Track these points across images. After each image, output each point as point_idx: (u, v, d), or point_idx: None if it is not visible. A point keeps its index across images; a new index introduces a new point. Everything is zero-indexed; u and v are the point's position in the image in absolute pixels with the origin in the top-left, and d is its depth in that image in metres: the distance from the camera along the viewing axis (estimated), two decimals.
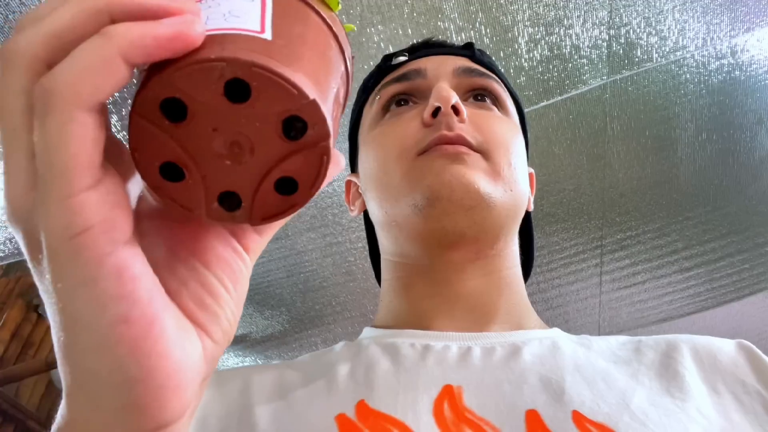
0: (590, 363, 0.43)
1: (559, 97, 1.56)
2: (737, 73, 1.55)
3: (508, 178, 0.49)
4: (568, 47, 1.46)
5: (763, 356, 0.44)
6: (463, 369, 0.42)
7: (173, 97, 0.21)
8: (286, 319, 2.09)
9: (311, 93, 0.21)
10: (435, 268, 0.50)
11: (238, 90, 0.21)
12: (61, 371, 0.22)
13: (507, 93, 0.58)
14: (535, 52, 1.46)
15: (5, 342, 1.76)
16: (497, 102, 0.56)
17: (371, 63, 1.43)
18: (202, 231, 0.25)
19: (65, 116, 0.19)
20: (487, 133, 0.50)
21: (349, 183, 0.63)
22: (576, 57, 1.49)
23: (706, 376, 0.42)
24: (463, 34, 1.40)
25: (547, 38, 1.44)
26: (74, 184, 0.20)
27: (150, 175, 0.23)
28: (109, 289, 0.20)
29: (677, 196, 1.81)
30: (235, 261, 0.26)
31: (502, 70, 1.50)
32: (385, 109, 0.56)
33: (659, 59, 1.50)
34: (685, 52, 1.49)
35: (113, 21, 0.20)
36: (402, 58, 0.58)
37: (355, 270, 1.92)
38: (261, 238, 0.27)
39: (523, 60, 1.47)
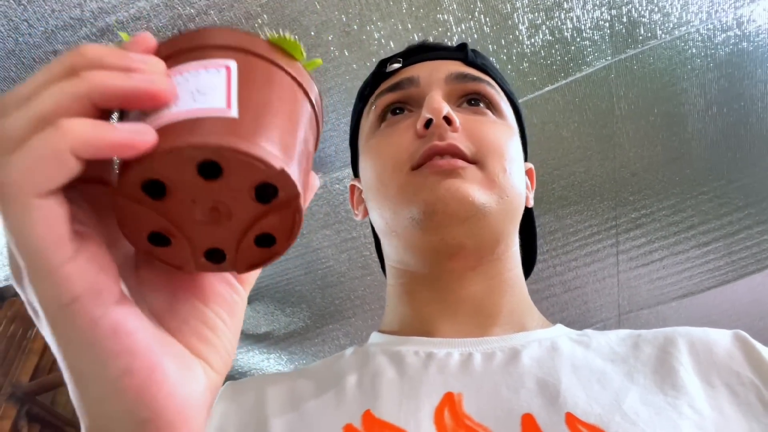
0: (587, 363, 0.44)
1: (564, 81, 1.55)
2: (744, 44, 1.52)
3: (503, 184, 0.50)
4: (570, 30, 1.46)
5: (759, 347, 0.45)
6: (464, 375, 0.43)
7: (152, 179, 0.23)
8: (307, 315, 2.13)
9: (278, 163, 0.23)
10: (436, 275, 0.52)
11: (211, 168, 0.23)
12: (79, 414, 0.24)
13: (501, 93, 0.58)
14: (537, 37, 1.45)
15: (38, 352, 1.82)
16: (491, 105, 0.55)
17: (373, 60, 1.44)
18: (199, 273, 0.27)
19: (23, 205, 0.21)
20: (481, 140, 0.50)
21: (353, 187, 0.64)
22: (578, 39, 1.48)
23: (701, 370, 0.43)
24: (462, 25, 1.41)
25: (547, 23, 1.44)
26: (51, 261, 0.21)
27: (139, 243, 0.25)
28: (107, 347, 0.22)
29: (690, 171, 1.79)
30: (231, 294, 0.28)
31: (504, 57, 1.50)
32: (381, 118, 0.56)
33: (663, 36, 1.49)
34: (689, 26, 1.47)
35: (95, 105, 0.22)
36: (396, 65, 0.58)
37: (371, 263, 1.94)
38: (253, 272, 0.29)
39: (524, 46, 1.46)
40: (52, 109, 0.21)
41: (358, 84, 1.48)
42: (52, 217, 0.21)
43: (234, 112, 0.23)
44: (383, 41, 1.40)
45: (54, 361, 1.91)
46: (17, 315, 2.04)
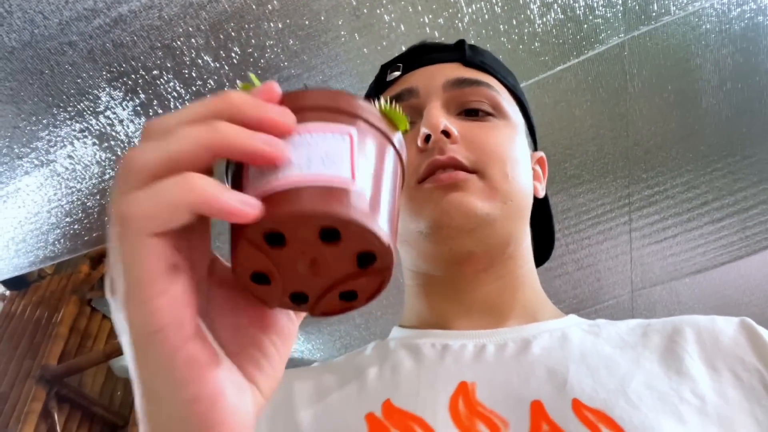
0: (596, 351, 0.46)
1: (576, 60, 1.54)
2: (760, 18, 1.50)
3: (505, 190, 0.51)
4: (582, 8, 1.44)
5: (764, 333, 0.46)
6: (478, 365, 0.46)
7: (276, 231, 0.25)
8: None
9: (387, 240, 0.26)
10: (449, 278, 0.54)
11: (330, 233, 0.25)
12: (143, 425, 0.27)
13: (502, 90, 0.58)
14: (548, 16, 1.44)
15: (65, 336, 1.88)
16: (491, 108, 0.56)
17: (383, 43, 1.44)
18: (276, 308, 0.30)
19: (137, 240, 0.23)
20: (480, 149, 0.52)
21: None
22: (591, 17, 1.47)
23: (706, 357, 0.44)
24: (473, 6, 1.40)
25: (559, 1, 1.43)
26: (147, 293, 0.24)
27: (242, 279, 0.27)
28: (181, 376, 0.24)
29: (704, 148, 1.78)
30: (287, 325, 0.30)
31: (515, 37, 1.50)
32: None
33: (677, 11, 1.47)
34: (704, 1, 1.45)
35: (215, 156, 0.24)
36: (396, 74, 0.59)
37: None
38: None
39: (536, 26, 1.45)
40: (182, 154, 0.24)
41: (369, 68, 1.48)
42: (158, 255, 0.24)
43: (359, 186, 0.26)
44: (393, 24, 1.40)
45: (80, 344, 1.97)
46: (42, 300, 2.10)
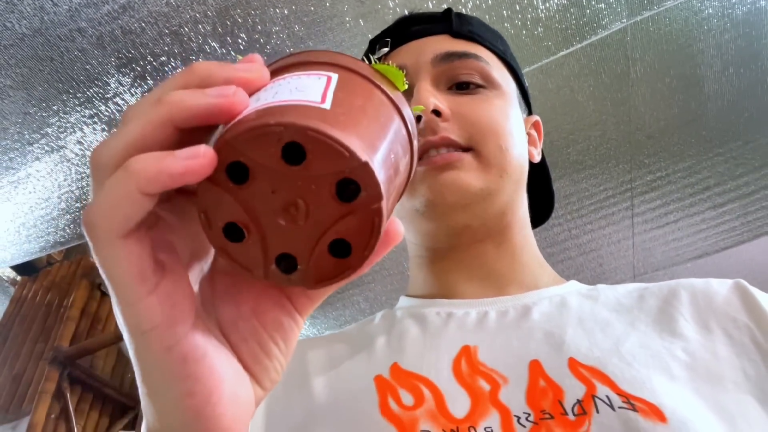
0: (593, 315, 0.48)
1: (579, 45, 1.55)
2: (763, 2, 1.51)
3: (500, 162, 0.52)
4: None
5: (757, 293, 0.47)
6: (480, 331, 0.48)
7: (237, 161, 0.23)
8: None
9: (363, 155, 0.22)
10: (449, 250, 0.56)
11: (295, 154, 0.23)
12: (145, 415, 0.27)
13: (492, 58, 0.58)
14: (552, 1, 1.45)
15: (76, 319, 1.92)
16: (482, 79, 0.55)
17: None
18: (264, 296, 0.28)
19: (107, 245, 0.23)
20: (473, 125, 0.52)
21: None
22: (593, 2, 1.48)
23: (699, 317, 0.46)
24: None
25: None
26: (133, 294, 0.23)
27: (215, 235, 0.25)
28: (176, 372, 0.24)
29: (706, 133, 1.79)
30: (289, 323, 0.29)
31: (518, 23, 1.51)
32: None
33: None
34: None
35: (176, 127, 0.23)
36: (384, 50, 0.59)
37: None
38: (312, 303, 0.30)
39: (539, 11, 1.47)
40: (137, 138, 0.23)
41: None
42: (135, 255, 0.23)
43: (327, 105, 0.23)
44: (398, 10, 1.42)
45: (91, 327, 2.01)
46: (53, 284, 2.14)
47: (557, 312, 0.49)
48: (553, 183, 0.68)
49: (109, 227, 0.22)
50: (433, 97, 0.52)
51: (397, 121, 0.27)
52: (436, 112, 0.51)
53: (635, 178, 1.91)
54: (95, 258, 0.24)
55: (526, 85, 0.64)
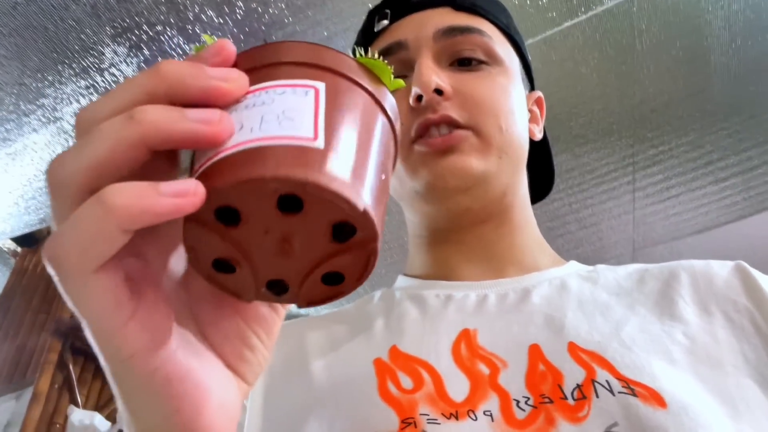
0: (593, 298, 0.47)
1: (584, 16, 1.52)
2: None
3: (500, 143, 0.51)
4: None
5: (757, 276, 0.47)
6: (480, 314, 0.48)
7: (227, 205, 0.21)
8: None
9: (361, 204, 0.21)
10: (449, 231, 0.55)
11: (291, 201, 0.21)
12: (128, 429, 0.26)
13: (496, 32, 0.56)
14: None
15: None
16: (484, 55, 0.54)
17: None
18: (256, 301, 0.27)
19: (78, 281, 0.21)
20: (474, 104, 0.51)
21: None
22: None
23: (699, 300, 0.46)
24: None
25: None
26: (109, 326, 0.22)
27: (203, 269, 0.24)
28: (160, 393, 0.23)
29: (711, 106, 1.77)
30: (271, 314, 0.28)
31: None
32: None
33: None
34: None
35: (150, 150, 0.21)
36: (384, 23, 0.57)
37: (390, 204, 1.98)
38: None
39: None
40: (105, 158, 0.21)
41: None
42: (109, 287, 0.21)
43: (320, 142, 0.22)
44: None
45: None
46: None
47: (557, 295, 0.48)
48: (554, 157, 0.67)
49: (81, 263, 0.20)
50: (435, 75, 0.50)
51: (386, 130, 0.26)
52: (438, 91, 0.50)
53: (637, 152, 1.89)
54: (63, 293, 0.22)
55: (530, 59, 0.62)
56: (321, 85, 0.24)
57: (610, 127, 1.81)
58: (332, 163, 0.22)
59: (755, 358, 0.41)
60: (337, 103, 0.24)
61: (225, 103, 0.23)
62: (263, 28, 1.46)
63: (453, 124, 0.50)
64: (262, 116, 0.22)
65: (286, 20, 1.44)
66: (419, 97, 0.50)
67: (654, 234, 2.20)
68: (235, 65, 0.24)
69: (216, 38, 0.25)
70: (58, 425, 1.70)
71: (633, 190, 2.02)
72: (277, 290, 0.25)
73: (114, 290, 0.22)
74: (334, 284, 0.25)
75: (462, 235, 0.55)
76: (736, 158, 1.92)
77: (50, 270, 0.21)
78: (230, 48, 0.24)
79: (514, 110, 0.54)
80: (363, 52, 0.26)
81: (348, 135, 0.23)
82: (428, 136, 0.50)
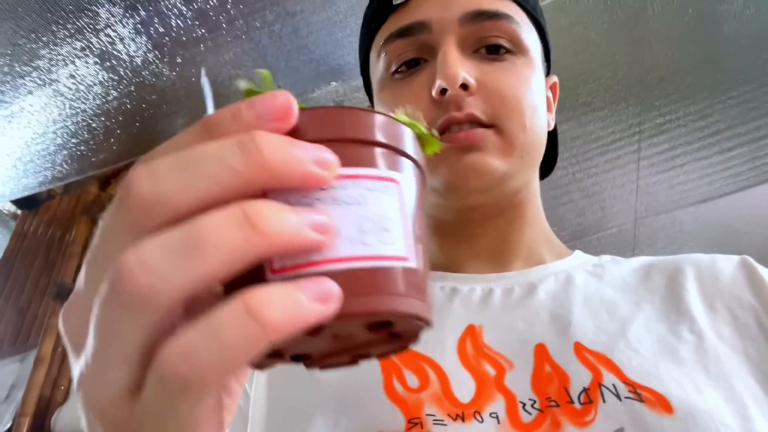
0: (599, 295, 0.47)
1: None
2: None
3: (523, 142, 0.49)
4: None
5: (763, 272, 0.47)
6: (485, 310, 0.47)
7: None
8: None
9: (431, 317, 0.21)
10: (458, 223, 0.54)
11: (382, 323, 0.21)
12: None
13: (523, 17, 0.53)
14: None
15: (78, 255, 1.93)
16: (511, 44, 0.51)
17: None
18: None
19: (195, 400, 0.18)
20: (499, 99, 0.49)
21: None
22: None
23: (705, 295, 0.45)
24: None
25: None
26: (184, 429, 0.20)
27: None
28: None
29: (721, 75, 1.73)
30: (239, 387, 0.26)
31: None
32: (393, 70, 0.53)
33: None
34: None
35: (268, 258, 0.19)
36: None
37: None
38: None
39: None
40: (215, 275, 0.18)
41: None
42: (214, 406, 0.21)
43: (413, 261, 0.21)
44: None
45: None
46: (54, 218, 2.14)
47: (563, 290, 0.48)
48: (558, 126, 0.65)
49: (212, 381, 0.18)
50: (461, 67, 0.48)
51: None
52: (463, 86, 0.47)
53: (644, 120, 1.86)
54: (159, 404, 0.19)
55: (551, 43, 0.60)
56: (401, 178, 0.22)
57: (617, 94, 1.78)
58: (424, 283, 0.21)
59: (757, 357, 0.41)
60: (407, 193, 0.22)
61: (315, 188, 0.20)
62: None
63: (476, 122, 0.48)
64: (359, 223, 0.20)
65: None
66: (443, 91, 0.48)
67: (657, 204, 2.19)
68: (298, 127, 0.20)
69: (271, 76, 0.22)
70: (62, 387, 1.72)
71: (638, 160, 2.00)
72: (296, 358, 0.23)
73: (214, 404, 0.21)
74: (358, 360, 0.24)
75: (472, 229, 0.54)
76: (744, 128, 1.89)
77: (162, 381, 0.18)
78: (294, 106, 0.20)
79: (537, 105, 0.52)
80: (410, 112, 0.24)
81: (423, 240, 0.22)
82: (450, 131, 0.48)
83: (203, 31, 1.52)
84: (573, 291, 0.47)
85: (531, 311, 0.46)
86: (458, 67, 0.47)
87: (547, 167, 0.66)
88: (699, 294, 0.46)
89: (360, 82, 0.67)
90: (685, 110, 1.83)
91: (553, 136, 0.63)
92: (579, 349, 0.41)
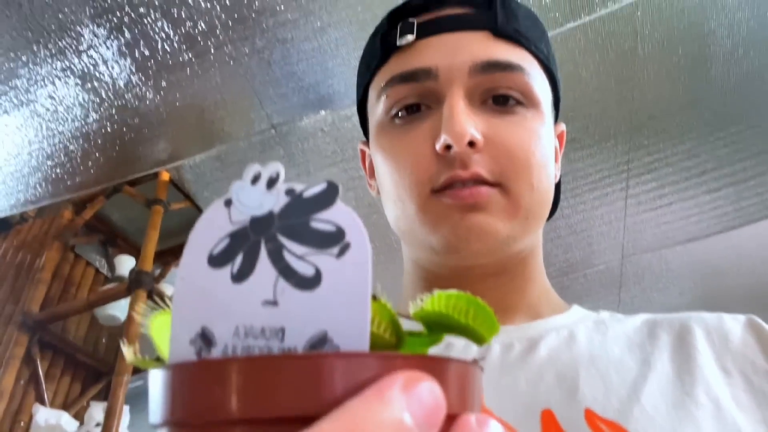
0: (605, 353, 0.43)
1: (588, 18, 1.47)
2: None
3: (529, 203, 0.46)
4: None
5: None
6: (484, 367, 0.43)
7: None
8: None
9: None
10: (455, 279, 0.50)
11: None
12: None
13: (535, 67, 0.49)
14: None
15: (47, 282, 1.84)
16: (522, 94, 0.48)
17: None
18: None
19: None
20: (506, 157, 0.45)
21: (363, 152, 0.59)
22: None
23: (717, 357, 0.42)
24: None
25: None
26: None
27: None
28: None
29: (709, 115, 1.74)
30: None
31: None
32: (393, 114, 0.50)
33: None
34: None
35: None
36: (409, 38, 0.49)
37: (378, 203, 1.93)
38: None
39: None
40: None
41: (369, 16, 1.40)
42: None
43: None
44: None
45: (63, 291, 1.94)
46: (24, 243, 2.05)
47: (566, 347, 0.44)
48: None
49: None
50: (469, 123, 0.44)
51: None
52: (471, 143, 0.44)
53: (633, 159, 1.86)
54: None
55: (561, 91, 0.56)
56: None
57: (606, 132, 1.78)
58: None
59: None
60: None
61: None
62: (253, 15, 1.38)
63: (482, 181, 0.44)
64: None
65: (277, 8, 1.37)
66: (448, 146, 0.44)
67: (644, 242, 2.18)
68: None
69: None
70: (22, 423, 1.62)
71: (626, 197, 1.99)
72: None
73: None
74: None
75: (470, 285, 0.49)
76: (731, 168, 1.90)
77: None
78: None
79: (547, 162, 0.48)
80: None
81: None
82: (453, 188, 0.45)
83: (190, 55, 1.48)
84: (577, 349, 0.44)
85: (533, 371, 0.42)
86: (466, 123, 0.43)
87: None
88: (711, 355, 0.43)
89: (349, 111, 0.64)
90: (673, 149, 1.83)
91: (556, 185, 0.60)
92: (591, 417, 0.37)
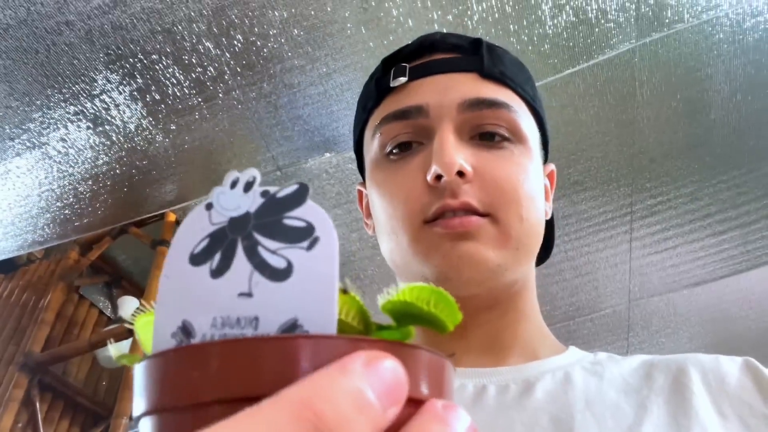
0: (601, 396, 0.43)
1: (586, 64, 1.51)
2: None
3: (519, 233, 0.47)
4: (595, 11, 1.41)
5: None
6: (479, 410, 0.43)
7: None
8: None
9: None
10: None
11: None
12: None
13: (521, 106, 0.52)
14: (560, 18, 1.41)
15: (50, 323, 1.84)
16: (509, 132, 0.50)
17: (390, 38, 1.41)
18: None
19: None
20: (495, 189, 0.47)
21: (360, 193, 0.62)
22: (603, 21, 1.44)
23: (713, 399, 0.42)
24: (483, 4, 1.36)
25: (571, 3, 1.39)
26: None
27: None
28: None
29: (710, 159, 1.76)
30: None
31: (525, 38, 1.46)
32: (387, 151, 0.52)
33: (691, 19, 1.44)
34: (718, 10, 1.42)
35: None
36: (402, 80, 0.52)
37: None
38: None
39: (547, 27, 1.42)
40: None
41: (374, 63, 1.44)
42: None
43: None
44: (401, 19, 1.37)
45: (66, 332, 1.93)
46: (29, 284, 2.06)
47: (562, 390, 0.44)
48: (551, 203, 0.63)
49: None
50: (457, 154, 0.46)
51: None
52: (459, 173, 0.46)
53: (636, 201, 1.87)
54: None
55: (549, 131, 0.58)
56: None
57: (608, 175, 1.79)
58: None
59: None
60: None
61: None
62: (261, 62, 1.43)
63: (472, 210, 0.46)
64: None
65: (285, 55, 1.41)
66: (438, 177, 0.46)
67: (650, 285, 2.16)
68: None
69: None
70: None
71: (630, 240, 1.98)
72: None
73: None
74: None
75: (464, 321, 0.50)
76: (735, 212, 1.90)
77: None
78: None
79: (535, 195, 0.50)
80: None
81: None
82: (444, 217, 0.46)
83: (199, 99, 1.52)
84: (573, 392, 0.43)
85: (529, 413, 0.42)
86: (455, 153, 0.46)
87: (543, 254, 0.63)
88: (708, 398, 0.42)
89: (353, 154, 0.65)
90: (675, 192, 1.84)
91: (550, 224, 0.61)
92: None
